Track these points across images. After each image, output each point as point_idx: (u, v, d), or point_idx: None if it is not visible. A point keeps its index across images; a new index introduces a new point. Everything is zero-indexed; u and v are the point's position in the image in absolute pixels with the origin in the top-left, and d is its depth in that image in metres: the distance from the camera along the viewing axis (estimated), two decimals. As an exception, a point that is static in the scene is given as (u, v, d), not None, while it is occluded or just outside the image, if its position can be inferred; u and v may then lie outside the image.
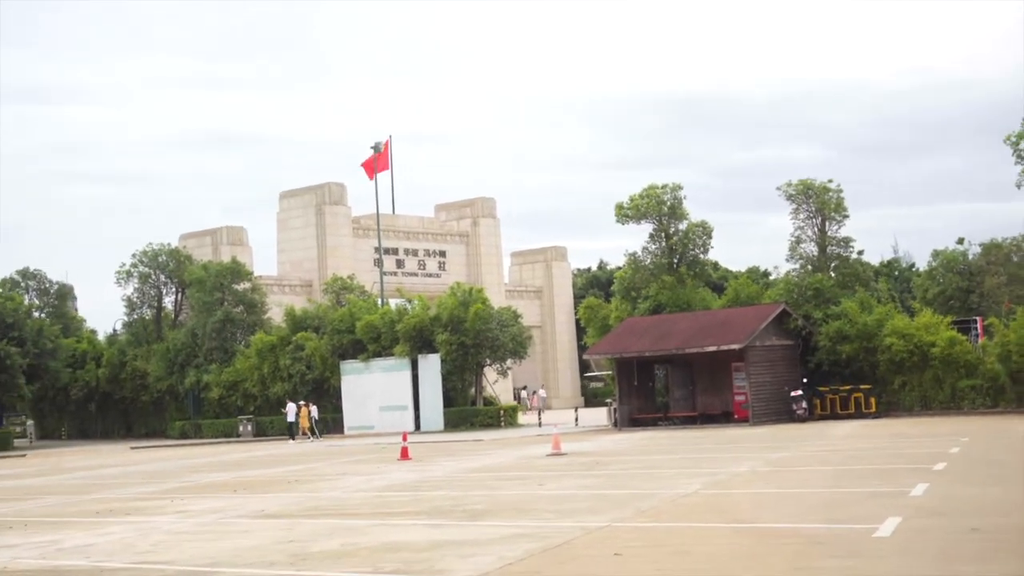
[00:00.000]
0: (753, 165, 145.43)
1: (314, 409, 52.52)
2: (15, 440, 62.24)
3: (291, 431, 52.04)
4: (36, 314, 66.81)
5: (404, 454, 31.20)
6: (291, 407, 52.52)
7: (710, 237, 50.01)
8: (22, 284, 69.28)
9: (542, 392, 73.59)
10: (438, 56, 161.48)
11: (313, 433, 51.43)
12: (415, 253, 76.84)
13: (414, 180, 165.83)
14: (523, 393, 77.76)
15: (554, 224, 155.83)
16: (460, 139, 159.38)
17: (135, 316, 66.15)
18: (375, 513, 17.49)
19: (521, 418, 55.47)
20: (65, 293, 72.91)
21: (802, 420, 40.93)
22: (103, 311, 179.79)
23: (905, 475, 18.74)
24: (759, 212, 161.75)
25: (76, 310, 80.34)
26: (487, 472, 25.10)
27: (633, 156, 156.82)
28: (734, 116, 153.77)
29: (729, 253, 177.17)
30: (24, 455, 53.08)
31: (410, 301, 54.82)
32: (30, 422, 67.68)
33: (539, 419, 52.70)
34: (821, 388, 43.19)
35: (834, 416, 42.30)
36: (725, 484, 19.14)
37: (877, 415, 41.71)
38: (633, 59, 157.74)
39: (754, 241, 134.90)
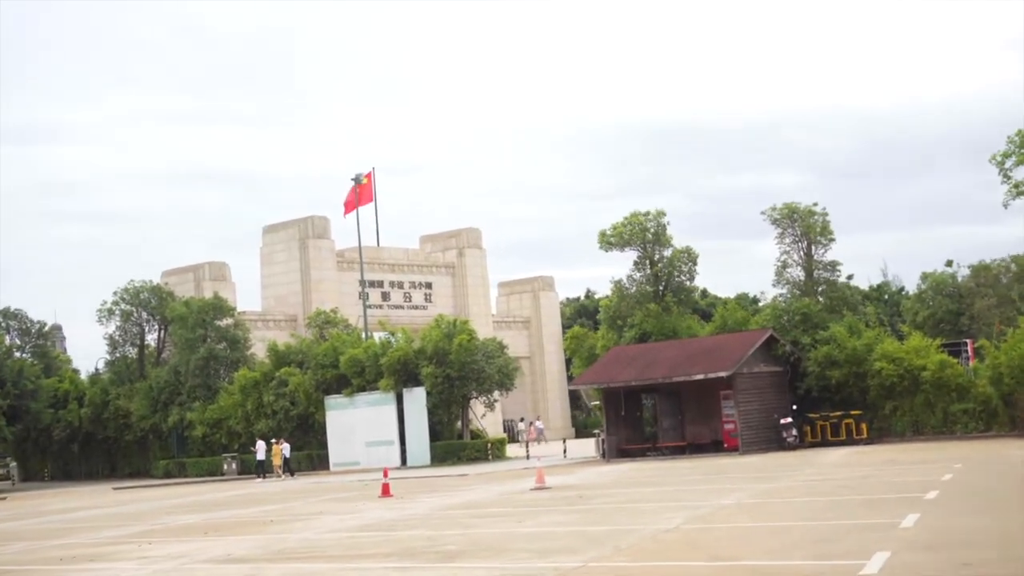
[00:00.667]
0: (738, 191, 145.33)
1: (286, 447, 51.67)
2: (-2, 482, 61.36)
3: (260, 469, 51.20)
4: (17, 354, 65.94)
5: (385, 491, 30.54)
6: (261, 445, 51.72)
7: (695, 264, 49.51)
8: (3, 324, 68.35)
9: (539, 424, 72.53)
10: (420, 88, 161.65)
11: (284, 471, 50.60)
12: (401, 285, 76.09)
13: (398, 212, 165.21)
14: (520, 425, 76.50)
15: (541, 254, 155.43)
16: (444, 171, 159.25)
17: (117, 354, 65.19)
18: (345, 556, 16.81)
19: (509, 451, 54.67)
20: (47, 333, 72.01)
21: (792, 448, 40.25)
22: (87, 350, 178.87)
23: (896, 505, 18.14)
24: (747, 238, 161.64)
25: (64, 350, 79.56)
26: (467, 509, 24.39)
27: (619, 185, 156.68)
28: (717, 143, 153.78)
29: (718, 280, 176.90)
30: (5, 498, 52.11)
31: (393, 334, 54.12)
32: (13, 464, 66.68)
33: (527, 451, 51.88)
34: (811, 415, 42.49)
35: (825, 443, 41.58)
36: (709, 518, 18.48)
37: (869, 441, 41.03)
38: (614, 88, 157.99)
39: (743, 267, 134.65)
